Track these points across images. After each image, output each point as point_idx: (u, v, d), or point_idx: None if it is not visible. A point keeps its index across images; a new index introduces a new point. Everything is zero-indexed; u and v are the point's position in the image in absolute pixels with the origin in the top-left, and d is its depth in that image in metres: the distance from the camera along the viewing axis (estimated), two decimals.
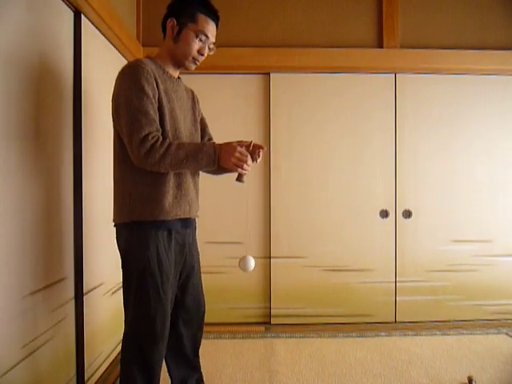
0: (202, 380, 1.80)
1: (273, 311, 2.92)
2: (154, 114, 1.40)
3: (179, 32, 1.52)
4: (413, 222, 2.95)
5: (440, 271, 2.96)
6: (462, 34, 2.99)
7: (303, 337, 2.70)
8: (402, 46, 2.94)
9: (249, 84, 2.91)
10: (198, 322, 1.72)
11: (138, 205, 1.45)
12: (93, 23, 1.96)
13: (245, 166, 1.42)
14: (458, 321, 2.95)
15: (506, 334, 2.75)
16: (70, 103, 1.78)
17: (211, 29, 1.54)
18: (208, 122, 1.82)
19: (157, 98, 1.44)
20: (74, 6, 1.77)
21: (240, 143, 1.43)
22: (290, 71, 2.89)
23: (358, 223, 2.93)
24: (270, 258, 2.91)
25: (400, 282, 2.94)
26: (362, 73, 2.92)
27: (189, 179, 1.59)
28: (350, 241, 2.93)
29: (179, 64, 1.58)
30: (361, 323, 2.92)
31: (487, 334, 2.75)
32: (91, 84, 1.96)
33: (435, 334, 2.74)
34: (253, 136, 2.90)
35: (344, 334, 2.73)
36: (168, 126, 1.47)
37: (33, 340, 1.48)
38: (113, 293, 2.25)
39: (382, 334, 2.75)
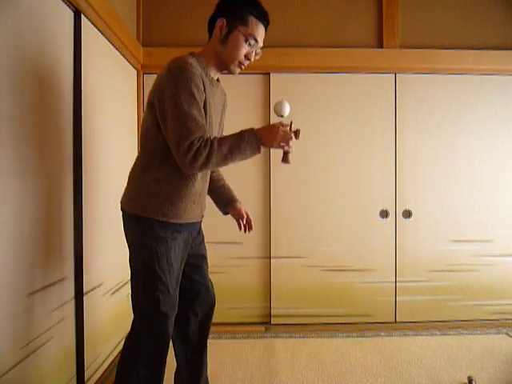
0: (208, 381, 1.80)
1: (273, 311, 2.92)
2: (202, 119, 1.38)
3: (228, 34, 1.46)
4: (413, 222, 2.95)
5: (440, 271, 2.96)
6: (461, 34, 2.99)
7: (303, 337, 2.70)
8: (402, 46, 2.94)
9: (249, 84, 2.91)
10: (209, 312, 1.72)
11: (153, 202, 1.43)
12: (93, 23, 1.96)
13: (290, 143, 1.41)
14: (458, 321, 2.95)
15: (506, 333, 2.75)
16: (70, 103, 1.78)
17: (261, 33, 1.50)
18: None
19: (203, 102, 1.41)
20: (74, 5, 1.77)
21: (280, 123, 1.42)
22: (290, 71, 2.89)
23: (358, 223, 2.93)
24: (269, 258, 2.91)
25: (400, 281, 2.94)
26: (362, 73, 2.92)
27: (207, 183, 1.61)
28: (350, 241, 2.93)
29: (223, 67, 1.54)
30: (361, 323, 2.91)
31: (487, 333, 2.75)
32: (91, 84, 1.96)
33: (435, 334, 2.74)
34: None
35: (344, 334, 2.73)
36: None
37: (33, 340, 1.47)
38: (113, 293, 2.25)
39: (382, 334, 2.75)
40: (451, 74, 2.95)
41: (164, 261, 1.44)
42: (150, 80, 2.81)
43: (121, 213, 1.53)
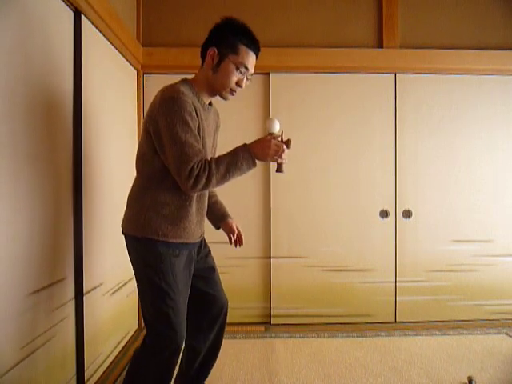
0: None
1: (273, 311, 2.92)
2: (198, 144, 1.41)
3: (219, 62, 1.50)
4: (413, 222, 2.95)
5: (440, 271, 2.96)
6: (461, 34, 2.99)
7: (303, 337, 2.70)
8: (402, 46, 2.94)
9: (249, 84, 2.90)
10: (221, 322, 1.75)
11: (152, 224, 1.46)
12: (93, 23, 1.96)
13: (283, 155, 1.45)
14: (458, 321, 2.95)
15: (506, 333, 2.75)
16: (70, 103, 1.78)
17: (252, 61, 1.53)
18: None
19: (197, 127, 1.44)
20: (74, 5, 1.77)
21: (271, 136, 1.46)
22: (290, 71, 2.89)
23: (358, 223, 2.93)
24: (269, 257, 2.91)
25: (400, 281, 2.94)
26: (362, 73, 2.92)
27: (205, 204, 1.62)
28: (350, 241, 2.93)
29: (215, 93, 1.58)
30: (361, 323, 2.92)
31: (487, 333, 2.75)
32: (91, 84, 1.96)
33: (435, 334, 2.74)
34: (253, 136, 2.90)
35: (344, 334, 2.73)
36: None
37: (33, 340, 1.47)
38: (113, 293, 2.25)
39: (382, 334, 2.75)
40: (451, 74, 2.95)
41: (169, 277, 1.46)
42: (150, 80, 2.85)
43: (123, 236, 1.56)
